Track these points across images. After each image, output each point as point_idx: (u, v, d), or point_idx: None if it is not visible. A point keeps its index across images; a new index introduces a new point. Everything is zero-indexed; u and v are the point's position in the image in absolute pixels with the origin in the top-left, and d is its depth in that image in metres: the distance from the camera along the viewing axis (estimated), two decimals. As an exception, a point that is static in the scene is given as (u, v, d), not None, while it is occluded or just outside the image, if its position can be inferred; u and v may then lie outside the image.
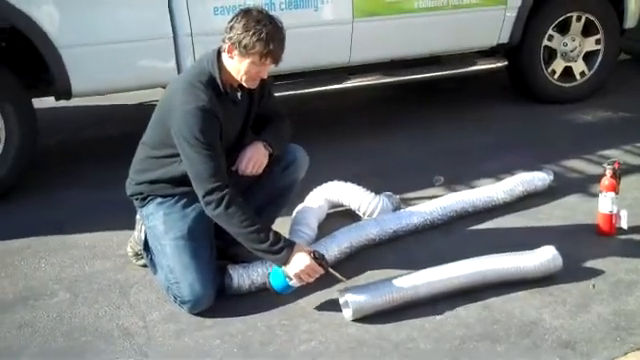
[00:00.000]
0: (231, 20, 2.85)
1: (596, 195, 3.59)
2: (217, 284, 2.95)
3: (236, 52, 2.83)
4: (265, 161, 3.03)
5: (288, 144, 3.20)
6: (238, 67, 2.86)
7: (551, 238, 3.31)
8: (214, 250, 3.01)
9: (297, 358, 2.64)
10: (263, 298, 2.98)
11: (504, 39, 5.18)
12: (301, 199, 3.62)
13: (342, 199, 3.70)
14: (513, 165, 4.26)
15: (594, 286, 3.03)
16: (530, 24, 5.20)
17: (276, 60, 2.87)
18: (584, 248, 3.34)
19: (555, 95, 5.53)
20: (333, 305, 2.93)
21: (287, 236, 3.29)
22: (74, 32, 3.91)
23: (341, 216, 3.69)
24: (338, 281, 2.90)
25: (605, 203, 3.44)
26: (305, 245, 3.23)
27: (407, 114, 5.45)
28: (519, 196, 3.82)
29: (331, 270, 2.87)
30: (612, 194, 3.42)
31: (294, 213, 3.51)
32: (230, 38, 2.82)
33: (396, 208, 3.70)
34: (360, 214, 3.67)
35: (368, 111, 5.74)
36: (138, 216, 3.16)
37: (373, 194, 3.71)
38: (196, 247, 2.92)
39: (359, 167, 4.29)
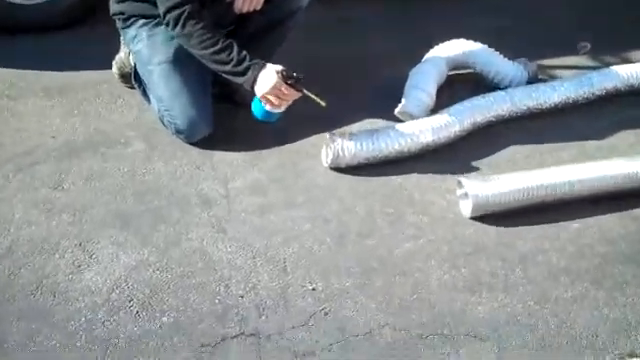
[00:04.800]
0: None
1: None
2: (212, 115, 2.68)
3: None
4: None
5: None
6: None
7: None
8: (209, 75, 2.67)
9: (401, 258, 2.20)
10: (365, 177, 2.53)
11: None
12: (418, 58, 3.05)
13: (467, 61, 3.10)
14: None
15: None
16: None
17: None
18: None
19: None
20: (449, 195, 2.45)
21: (401, 102, 2.79)
22: None
23: (464, 82, 3.11)
24: (451, 167, 2.44)
25: None
26: (422, 115, 2.75)
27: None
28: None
29: (307, 92, 2.46)
30: None
31: (410, 75, 2.95)
32: None
33: (532, 78, 3.09)
34: (488, 81, 3.07)
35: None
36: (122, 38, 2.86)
37: (506, 58, 3.10)
38: (184, 71, 2.64)
39: (488, 23, 3.58)
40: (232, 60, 2.46)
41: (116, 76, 3.00)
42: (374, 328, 1.96)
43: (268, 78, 2.43)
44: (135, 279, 2.08)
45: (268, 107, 2.50)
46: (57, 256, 2.15)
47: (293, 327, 1.95)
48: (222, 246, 2.21)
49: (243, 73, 2.47)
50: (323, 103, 2.45)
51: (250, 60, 2.46)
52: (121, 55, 2.95)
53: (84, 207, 2.35)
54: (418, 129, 2.62)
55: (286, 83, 2.43)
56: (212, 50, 2.47)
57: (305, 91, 2.46)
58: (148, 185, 2.47)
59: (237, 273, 2.12)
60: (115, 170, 2.53)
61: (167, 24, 2.51)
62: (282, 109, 2.51)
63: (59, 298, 2.00)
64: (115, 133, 2.73)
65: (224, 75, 2.54)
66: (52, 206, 2.35)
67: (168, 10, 2.47)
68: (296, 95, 2.47)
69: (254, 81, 2.46)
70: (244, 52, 2.47)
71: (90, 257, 2.15)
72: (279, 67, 2.45)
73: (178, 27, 2.47)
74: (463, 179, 2.38)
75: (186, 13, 2.44)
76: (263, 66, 2.46)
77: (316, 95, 2.45)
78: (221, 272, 2.12)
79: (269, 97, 2.46)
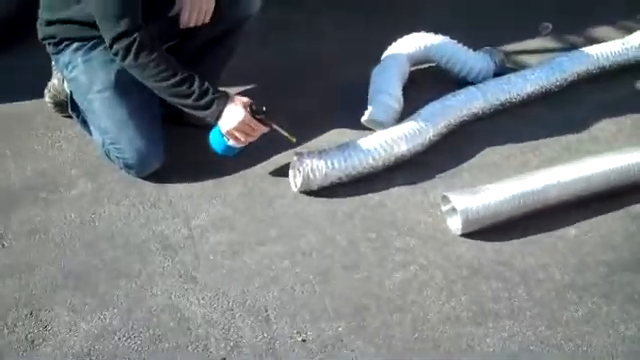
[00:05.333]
0: None
1: None
2: (164, 143, 2.40)
3: None
4: (212, 5, 2.43)
5: None
6: None
7: None
8: (155, 99, 2.36)
9: (393, 292, 1.99)
10: (340, 198, 2.31)
11: None
12: (377, 56, 2.84)
13: (430, 55, 2.90)
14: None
15: None
16: None
17: None
18: None
19: None
20: (433, 210, 2.25)
21: (367, 109, 2.57)
22: None
23: (427, 77, 2.91)
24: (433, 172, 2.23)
25: None
26: (391, 121, 2.54)
27: None
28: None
29: (276, 127, 2.29)
30: None
31: (372, 77, 2.74)
32: None
33: (500, 67, 2.90)
34: (453, 75, 2.88)
35: None
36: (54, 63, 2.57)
37: (470, 50, 2.90)
38: (129, 97, 2.36)
39: (446, 14, 3.39)
40: (193, 93, 2.20)
41: (50, 105, 2.69)
42: (377, 379, 1.76)
43: (235, 113, 2.19)
44: (99, 351, 1.81)
45: (231, 142, 2.26)
46: (6, 331, 1.87)
47: (287, 390, 1.73)
48: (194, 299, 1.96)
49: (206, 107, 2.22)
50: (293, 139, 2.28)
51: (213, 93, 2.21)
52: (54, 82, 2.64)
53: (30, 267, 2.06)
54: (391, 139, 2.41)
55: (255, 118, 2.19)
56: (170, 82, 2.21)
57: (275, 126, 2.25)
58: (99, 232, 2.19)
59: (215, 330, 1.87)
60: (61, 218, 2.24)
61: (115, 54, 2.22)
62: (246, 144, 2.28)
63: (14, 385, 1.74)
64: (56, 173, 2.43)
65: (184, 109, 2.28)
66: (-7, 270, 2.06)
67: (115, 40, 2.19)
68: (265, 130, 2.25)
69: (219, 115, 2.21)
70: (206, 84, 2.22)
71: (44, 329, 1.87)
72: (246, 100, 2.22)
73: (129, 58, 2.20)
74: (449, 193, 2.18)
75: (137, 43, 2.17)
76: (229, 99, 2.21)
77: (286, 130, 2.26)
78: (196, 331, 1.87)
79: (235, 134, 2.22)
